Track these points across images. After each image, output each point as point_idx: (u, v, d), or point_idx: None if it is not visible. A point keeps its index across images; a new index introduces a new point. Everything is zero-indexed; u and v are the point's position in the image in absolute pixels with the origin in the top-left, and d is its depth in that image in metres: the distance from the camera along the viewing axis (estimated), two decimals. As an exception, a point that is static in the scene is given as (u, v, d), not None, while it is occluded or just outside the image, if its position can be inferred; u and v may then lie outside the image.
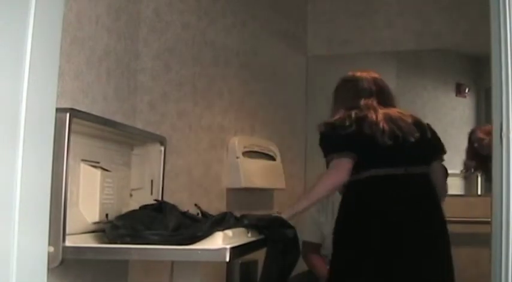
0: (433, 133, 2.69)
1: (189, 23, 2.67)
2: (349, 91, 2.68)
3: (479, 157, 3.88)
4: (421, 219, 2.51)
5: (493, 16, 1.57)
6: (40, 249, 1.48)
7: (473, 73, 4.32)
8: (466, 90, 4.27)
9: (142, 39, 2.30)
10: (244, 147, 3.10)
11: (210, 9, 2.88)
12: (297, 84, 4.00)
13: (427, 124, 2.69)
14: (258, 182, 3.21)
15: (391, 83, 4.33)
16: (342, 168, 2.47)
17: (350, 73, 2.76)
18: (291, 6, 3.99)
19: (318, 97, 3.93)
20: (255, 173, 3.16)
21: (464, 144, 4.03)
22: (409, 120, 2.60)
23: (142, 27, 2.30)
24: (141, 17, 2.29)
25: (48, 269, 1.51)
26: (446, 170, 2.77)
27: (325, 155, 2.55)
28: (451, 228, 3.64)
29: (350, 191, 2.56)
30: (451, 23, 3.89)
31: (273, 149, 3.40)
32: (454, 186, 4.05)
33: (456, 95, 4.28)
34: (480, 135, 3.87)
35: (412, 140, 2.54)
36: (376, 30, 4.03)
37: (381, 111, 2.57)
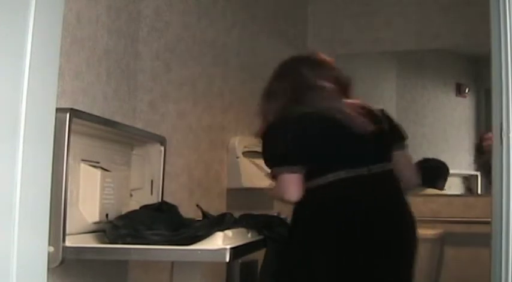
0: (390, 121, 2.31)
1: (189, 23, 2.67)
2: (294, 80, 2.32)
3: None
4: (385, 221, 2.16)
5: (493, 16, 1.57)
6: (40, 249, 1.48)
7: (473, 73, 4.32)
8: (466, 90, 4.27)
9: (142, 39, 2.30)
10: (244, 147, 3.10)
11: (210, 9, 2.87)
12: (297, 84, 3.99)
13: (382, 110, 2.30)
14: (258, 182, 3.20)
15: (391, 83, 4.35)
16: (296, 186, 2.12)
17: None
18: (291, 6, 3.98)
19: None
20: (255, 173, 3.15)
21: (464, 144, 4.04)
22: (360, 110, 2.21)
23: (142, 27, 2.30)
24: (141, 17, 2.29)
25: (48, 269, 1.51)
26: (410, 158, 2.43)
27: (270, 166, 2.19)
28: (451, 228, 3.67)
29: (311, 198, 2.14)
30: (450, 23, 3.89)
31: (273, 149, 3.40)
32: (454, 186, 4.06)
33: (456, 95, 4.28)
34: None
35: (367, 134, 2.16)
36: (376, 30, 4.03)
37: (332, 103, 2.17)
